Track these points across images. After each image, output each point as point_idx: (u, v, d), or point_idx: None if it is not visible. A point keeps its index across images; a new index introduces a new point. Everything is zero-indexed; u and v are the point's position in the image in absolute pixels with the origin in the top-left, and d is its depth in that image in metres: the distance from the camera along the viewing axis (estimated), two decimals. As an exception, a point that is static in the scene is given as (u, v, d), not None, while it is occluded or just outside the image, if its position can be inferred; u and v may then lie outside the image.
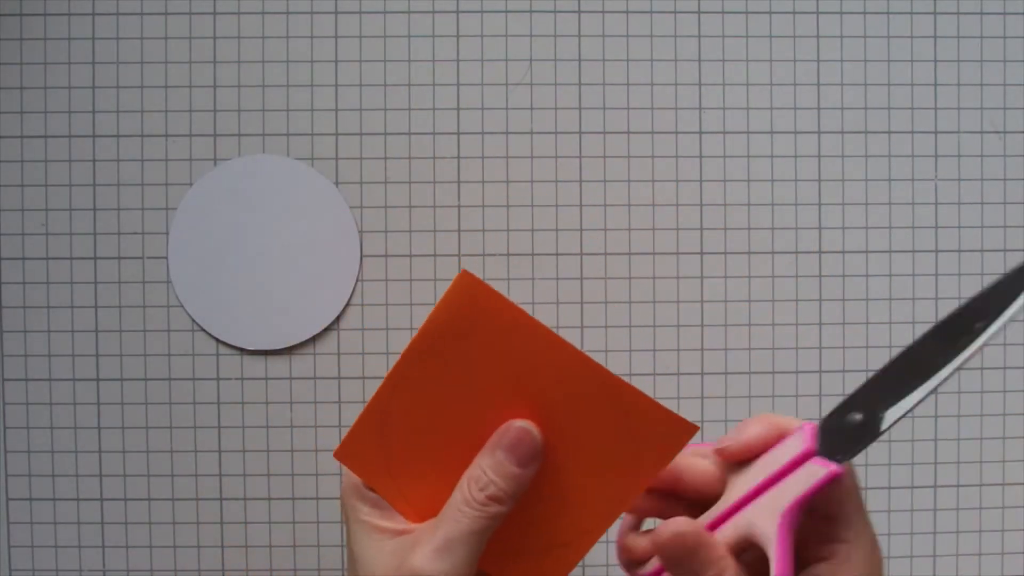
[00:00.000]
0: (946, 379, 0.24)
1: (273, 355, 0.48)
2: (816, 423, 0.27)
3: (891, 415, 0.25)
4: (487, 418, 0.29)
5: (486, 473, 0.28)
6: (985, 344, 0.24)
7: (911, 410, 0.25)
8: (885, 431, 0.25)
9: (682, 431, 0.29)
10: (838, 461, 0.26)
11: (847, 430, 0.26)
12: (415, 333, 0.29)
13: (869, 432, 0.26)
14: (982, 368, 0.49)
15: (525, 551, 0.31)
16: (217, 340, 0.48)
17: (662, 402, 0.29)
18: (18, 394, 0.48)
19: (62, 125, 0.48)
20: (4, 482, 0.48)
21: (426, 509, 0.30)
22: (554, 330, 0.29)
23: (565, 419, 0.29)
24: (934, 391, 0.25)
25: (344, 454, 0.30)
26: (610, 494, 0.30)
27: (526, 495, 0.29)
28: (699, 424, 0.31)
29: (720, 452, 0.30)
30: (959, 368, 0.24)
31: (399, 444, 0.30)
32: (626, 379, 0.29)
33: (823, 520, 0.27)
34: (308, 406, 0.48)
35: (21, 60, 0.47)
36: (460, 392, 0.29)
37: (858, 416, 0.26)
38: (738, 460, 0.29)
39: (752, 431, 0.29)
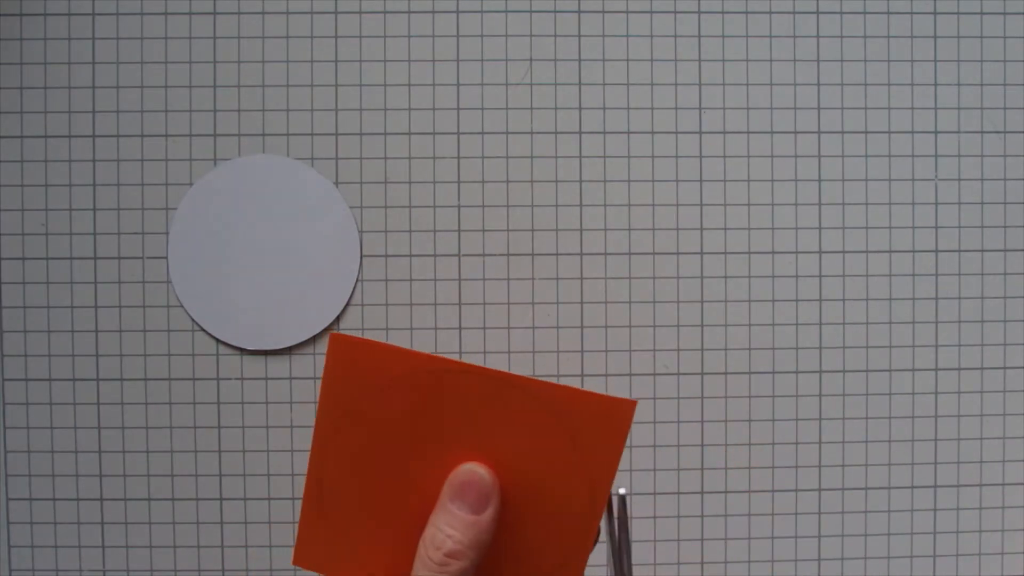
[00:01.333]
0: None
1: (273, 355, 0.48)
2: None
3: None
4: (429, 469, 0.28)
5: (441, 530, 0.27)
6: None
7: None
8: None
9: (622, 411, 0.27)
10: None
11: None
12: (315, 414, 0.28)
13: None
14: (982, 368, 0.49)
15: None
16: (217, 340, 0.48)
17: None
18: (18, 394, 0.48)
19: (62, 125, 0.48)
20: (4, 482, 0.48)
21: None
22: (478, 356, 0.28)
23: (508, 441, 0.28)
24: None
25: (302, 559, 0.29)
26: (582, 501, 0.28)
27: (498, 537, 0.27)
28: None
29: None
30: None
31: (349, 529, 0.28)
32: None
33: None
34: (308, 406, 0.48)
35: (21, 60, 0.47)
36: (389, 454, 0.28)
37: None
38: None
39: None
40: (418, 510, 0.28)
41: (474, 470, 0.27)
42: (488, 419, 0.27)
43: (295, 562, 0.29)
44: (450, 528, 0.27)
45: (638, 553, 0.49)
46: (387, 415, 0.28)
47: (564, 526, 0.28)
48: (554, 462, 0.28)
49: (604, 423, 0.27)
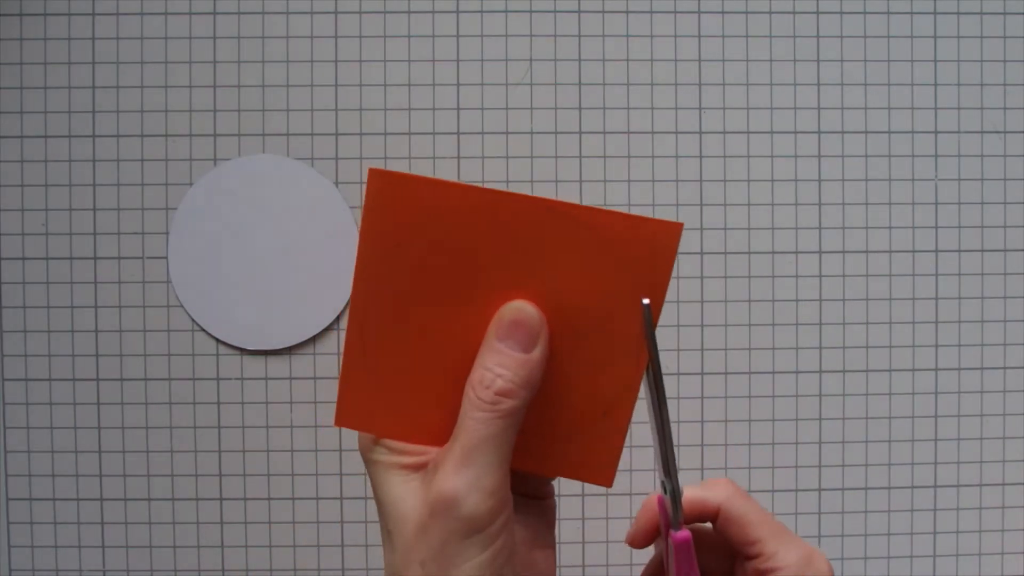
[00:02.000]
0: (660, 434, 0.27)
1: (273, 355, 0.48)
2: (659, 495, 0.29)
3: (668, 479, 0.28)
4: (473, 311, 0.27)
5: (491, 370, 0.26)
6: (655, 379, 0.27)
7: (670, 464, 0.28)
8: (677, 491, 0.28)
9: (669, 233, 0.26)
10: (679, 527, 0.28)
11: (671, 497, 0.28)
12: (355, 259, 0.26)
13: (675, 494, 0.28)
14: (982, 368, 0.49)
15: (565, 436, 0.28)
16: (217, 340, 0.48)
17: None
18: (18, 394, 0.48)
19: (62, 125, 0.48)
20: (4, 482, 0.48)
21: (446, 432, 0.27)
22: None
23: (552, 277, 0.27)
24: (664, 442, 0.27)
25: (343, 418, 0.28)
26: (631, 333, 0.27)
27: (546, 376, 0.27)
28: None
29: (632, 543, 0.31)
30: (660, 412, 0.27)
31: (393, 382, 0.27)
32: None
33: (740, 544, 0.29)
34: (308, 406, 0.48)
35: (21, 60, 0.47)
36: (432, 298, 0.27)
37: (667, 483, 0.28)
38: (648, 544, 0.31)
39: (640, 518, 0.31)
40: (462, 356, 0.27)
41: (522, 307, 0.27)
42: (532, 253, 0.26)
43: (337, 423, 0.27)
44: (500, 367, 0.26)
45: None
46: (428, 256, 0.26)
47: (614, 359, 0.27)
48: (601, 294, 0.27)
49: (651, 248, 0.26)
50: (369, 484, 0.29)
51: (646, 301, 0.26)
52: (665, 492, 0.28)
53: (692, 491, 0.30)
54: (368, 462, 0.28)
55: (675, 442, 0.48)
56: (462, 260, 0.26)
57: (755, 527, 0.29)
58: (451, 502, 0.25)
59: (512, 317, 0.26)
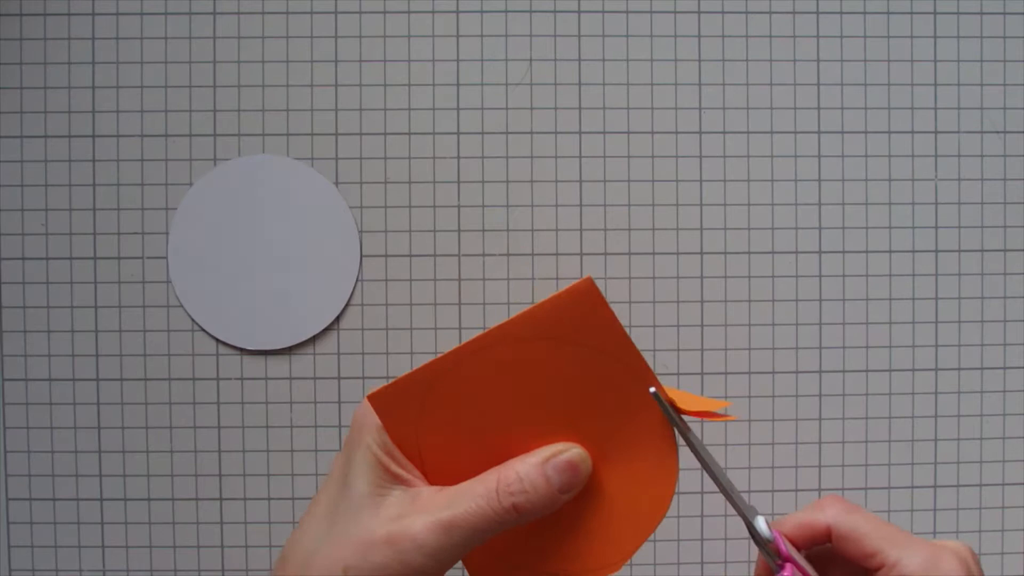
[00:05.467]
0: (715, 480, 0.30)
1: (273, 355, 0.48)
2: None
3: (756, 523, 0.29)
4: (537, 420, 0.29)
5: (523, 481, 0.27)
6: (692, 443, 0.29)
7: (748, 525, 0.29)
8: (758, 532, 0.29)
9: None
10: (779, 565, 0.29)
11: (760, 547, 0.30)
12: (511, 317, 0.28)
13: (760, 543, 0.29)
14: (982, 368, 0.49)
15: (524, 567, 0.30)
16: (217, 340, 0.48)
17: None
18: (18, 394, 0.48)
19: (62, 125, 0.48)
20: (4, 482, 0.48)
21: (441, 478, 0.29)
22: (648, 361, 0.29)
23: (613, 444, 0.29)
24: (722, 489, 0.30)
25: (379, 404, 0.29)
26: (632, 529, 0.30)
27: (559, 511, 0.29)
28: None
29: None
30: (715, 477, 0.30)
31: (437, 412, 0.29)
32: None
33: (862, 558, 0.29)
34: (308, 406, 0.48)
35: (21, 60, 0.47)
36: (522, 388, 0.29)
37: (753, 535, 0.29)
38: None
39: (760, 561, 0.31)
40: (502, 445, 0.29)
41: (585, 459, 0.29)
42: (619, 419, 0.29)
43: (370, 398, 0.29)
44: (532, 487, 0.27)
45: (638, 554, 0.48)
46: (552, 364, 0.28)
47: (613, 539, 0.30)
48: (638, 483, 0.29)
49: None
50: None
51: (652, 390, 0.29)
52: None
53: (799, 516, 0.30)
54: (358, 442, 0.29)
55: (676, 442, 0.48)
56: (574, 382, 0.29)
57: (869, 539, 0.29)
58: (410, 545, 0.26)
59: (572, 459, 0.28)
